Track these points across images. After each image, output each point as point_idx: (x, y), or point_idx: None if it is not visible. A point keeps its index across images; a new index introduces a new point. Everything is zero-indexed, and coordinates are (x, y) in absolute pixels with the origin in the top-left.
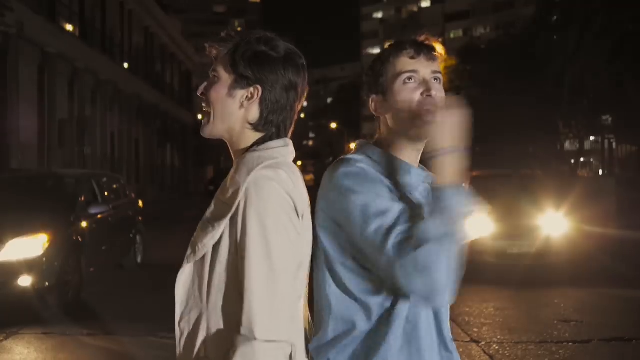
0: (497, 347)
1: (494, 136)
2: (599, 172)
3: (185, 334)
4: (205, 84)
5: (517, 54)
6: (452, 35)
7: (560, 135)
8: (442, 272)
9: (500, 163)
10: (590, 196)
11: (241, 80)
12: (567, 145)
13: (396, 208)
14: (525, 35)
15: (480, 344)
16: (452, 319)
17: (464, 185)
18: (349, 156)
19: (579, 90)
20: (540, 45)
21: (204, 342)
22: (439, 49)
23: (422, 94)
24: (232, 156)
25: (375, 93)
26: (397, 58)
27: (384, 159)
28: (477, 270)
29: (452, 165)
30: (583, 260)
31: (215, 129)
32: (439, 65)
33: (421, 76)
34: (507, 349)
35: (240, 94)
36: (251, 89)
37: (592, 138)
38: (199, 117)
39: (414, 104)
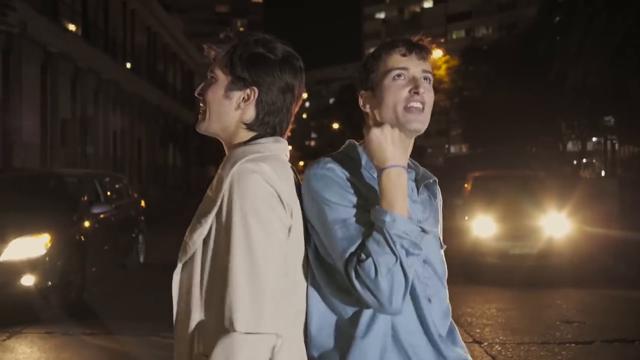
0: (499, 348)
1: (495, 137)
2: (601, 173)
3: (183, 332)
4: (202, 84)
5: (520, 55)
6: (454, 36)
7: (563, 136)
8: (383, 287)
9: (502, 164)
10: (592, 197)
11: (238, 82)
12: (570, 146)
13: (353, 218)
14: (528, 36)
15: (482, 345)
16: (455, 320)
17: (401, 207)
18: (322, 157)
19: (581, 91)
20: (543, 45)
21: (201, 338)
22: (432, 50)
23: (409, 91)
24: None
25: (365, 89)
26: (389, 55)
27: (363, 155)
28: (480, 271)
29: (391, 183)
30: (585, 261)
31: (210, 127)
32: (430, 66)
33: (411, 74)
34: (510, 349)
35: (237, 95)
36: (248, 91)
37: (594, 139)
38: None
39: (402, 101)
